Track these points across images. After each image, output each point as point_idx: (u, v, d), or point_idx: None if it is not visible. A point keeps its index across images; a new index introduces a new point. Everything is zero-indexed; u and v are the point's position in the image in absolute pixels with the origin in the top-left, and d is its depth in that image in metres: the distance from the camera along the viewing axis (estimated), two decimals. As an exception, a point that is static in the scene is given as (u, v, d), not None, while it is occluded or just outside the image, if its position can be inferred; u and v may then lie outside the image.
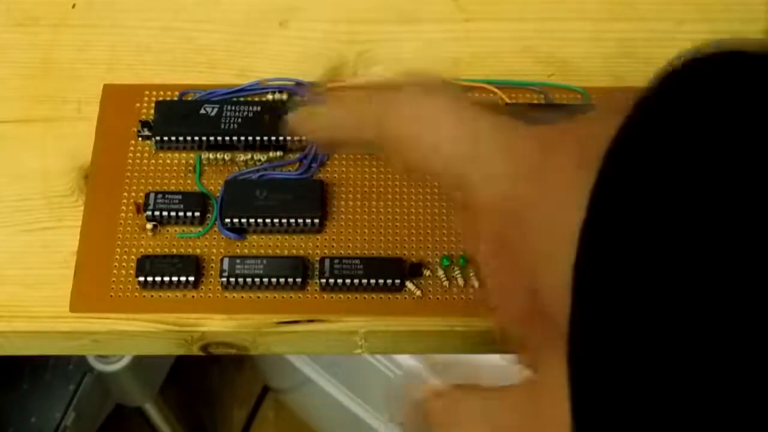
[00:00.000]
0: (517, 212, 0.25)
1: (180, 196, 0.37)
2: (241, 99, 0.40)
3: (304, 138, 0.38)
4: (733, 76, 0.20)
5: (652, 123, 0.21)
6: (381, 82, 0.31)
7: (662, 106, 0.21)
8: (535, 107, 0.40)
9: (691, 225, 0.18)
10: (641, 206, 0.19)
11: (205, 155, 0.39)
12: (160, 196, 0.37)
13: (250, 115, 0.39)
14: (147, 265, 0.36)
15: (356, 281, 0.36)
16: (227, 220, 0.37)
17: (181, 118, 0.39)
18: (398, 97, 0.29)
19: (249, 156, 0.39)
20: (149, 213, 0.37)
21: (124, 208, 0.38)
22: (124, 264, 0.37)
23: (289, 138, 0.38)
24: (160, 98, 0.40)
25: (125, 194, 0.38)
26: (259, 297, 0.36)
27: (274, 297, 0.36)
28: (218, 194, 0.38)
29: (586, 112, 0.27)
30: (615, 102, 0.23)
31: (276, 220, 0.37)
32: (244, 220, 0.37)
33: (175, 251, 0.37)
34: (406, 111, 0.28)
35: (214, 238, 0.37)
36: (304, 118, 0.32)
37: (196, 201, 0.37)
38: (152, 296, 0.36)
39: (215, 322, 0.36)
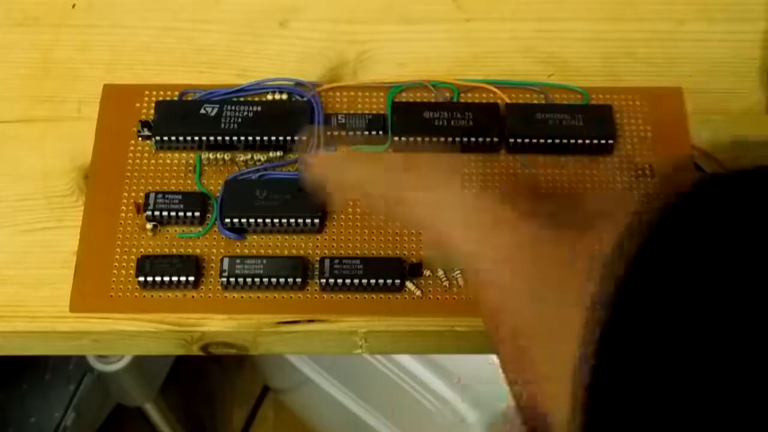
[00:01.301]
0: (515, 307, 0.26)
1: (180, 196, 0.37)
2: (241, 99, 0.40)
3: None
4: (749, 195, 0.21)
5: (671, 234, 0.21)
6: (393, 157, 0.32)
7: (679, 223, 0.21)
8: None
9: (707, 345, 0.18)
10: (655, 325, 0.20)
11: (205, 155, 0.39)
12: (160, 196, 0.37)
13: (250, 115, 0.39)
14: (147, 265, 0.36)
15: (356, 281, 0.36)
16: (227, 220, 0.37)
17: (181, 118, 0.39)
18: (410, 177, 0.30)
19: (249, 156, 0.39)
20: (149, 213, 0.37)
21: (124, 208, 0.38)
22: (124, 264, 0.37)
23: (288, 138, 0.38)
24: (160, 98, 0.40)
25: (125, 194, 0.38)
26: (259, 297, 0.36)
27: (274, 297, 0.36)
28: (218, 194, 0.38)
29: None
30: (620, 206, 0.24)
31: (276, 220, 0.37)
32: (244, 220, 0.37)
33: (175, 251, 0.37)
34: (423, 195, 0.29)
35: (214, 238, 0.37)
36: (315, 165, 0.33)
37: (196, 201, 0.37)
38: (152, 296, 0.36)
39: (215, 322, 0.36)
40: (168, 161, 0.39)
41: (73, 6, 0.44)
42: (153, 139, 0.39)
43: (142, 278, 0.36)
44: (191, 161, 0.39)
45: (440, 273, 0.37)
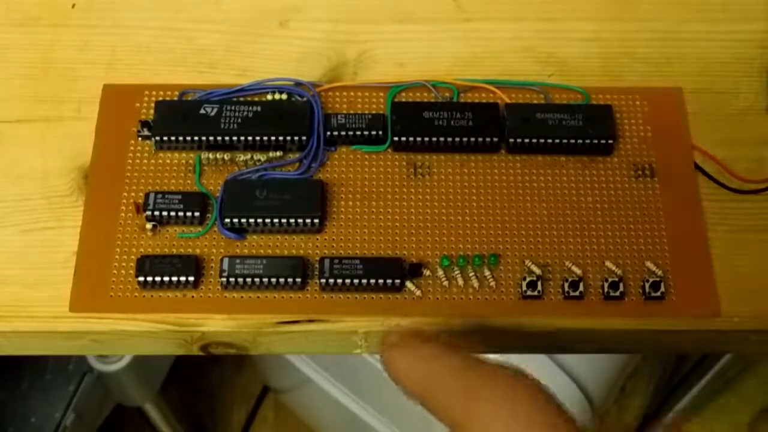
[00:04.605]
0: None
1: (180, 196, 0.37)
2: (241, 99, 0.40)
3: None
4: None
5: None
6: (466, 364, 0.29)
7: None
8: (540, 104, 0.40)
9: None
10: None
11: (204, 155, 0.39)
12: (159, 196, 0.37)
13: (250, 115, 0.39)
14: (147, 265, 0.36)
15: (356, 281, 0.36)
16: (227, 220, 0.37)
17: (181, 118, 0.39)
18: (479, 405, 0.28)
19: (249, 156, 0.39)
20: (149, 213, 0.37)
21: (124, 208, 0.38)
22: (124, 264, 0.37)
23: (288, 138, 0.38)
24: (160, 98, 0.40)
25: (125, 194, 0.38)
26: (259, 297, 0.36)
27: (274, 297, 0.36)
28: (218, 194, 0.38)
29: None
30: None
31: (276, 220, 0.37)
32: (243, 220, 0.37)
33: (175, 251, 0.37)
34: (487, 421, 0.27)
35: (214, 238, 0.37)
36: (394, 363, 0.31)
37: (196, 201, 0.37)
38: (152, 296, 0.36)
39: (215, 322, 0.36)
40: (168, 161, 0.39)
41: (73, 6, 0.44)
42: (153, 139, 0.39)
43: (141, 278, 0.36)
44: (191, 161, 0.39)
45: (440, 273, 0.37)
